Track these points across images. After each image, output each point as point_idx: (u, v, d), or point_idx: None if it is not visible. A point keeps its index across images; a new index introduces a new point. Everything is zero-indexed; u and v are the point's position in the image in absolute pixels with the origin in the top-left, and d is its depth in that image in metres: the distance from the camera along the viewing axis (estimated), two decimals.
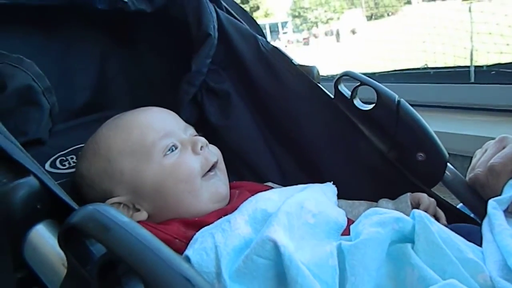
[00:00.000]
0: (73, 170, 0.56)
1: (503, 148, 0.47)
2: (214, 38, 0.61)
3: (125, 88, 0.68)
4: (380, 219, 0.40)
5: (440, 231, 0.38)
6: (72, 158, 0.58)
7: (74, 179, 0.55)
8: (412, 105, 1.62)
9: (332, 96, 0.59)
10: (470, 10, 1.55)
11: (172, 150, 0.50)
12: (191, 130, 0.55)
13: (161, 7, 0.62)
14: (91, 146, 0.53)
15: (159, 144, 0.50)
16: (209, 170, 0.51)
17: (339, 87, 0.58)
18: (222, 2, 0.65)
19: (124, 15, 0.62)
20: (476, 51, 1.53)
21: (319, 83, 0.61)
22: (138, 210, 0.50)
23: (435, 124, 1.40)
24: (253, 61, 0.63)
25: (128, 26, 0.66)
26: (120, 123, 0.53)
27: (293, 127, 0.62)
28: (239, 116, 0.64)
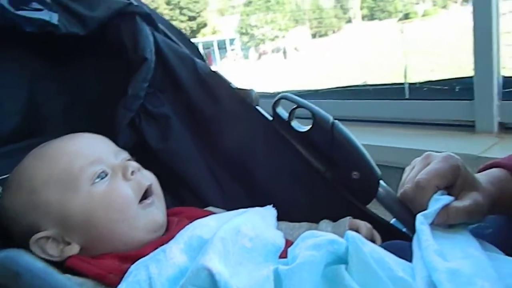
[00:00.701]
0: None
1: (428, 164, 0.50)
2: (151, 61, 0.60)
3: (57, 113, 0.65)
4: (315, 242, 0.40)
5: (372, 251, 0.40)
6: None
7: None
8: (353, 120, 1.69)
9: (270, 118, 0.60)
10: (402, 31, 1.66)
11: (102, 178, 0.48)
12: (124, 155, 0.53)
13: (95, 30, 0.60)
14: (15, 177, 0.49)
15: (87, 171, 0.48)
16: (146, 198, 0.50)
17: (277, 110, 0.59)
18: (159, 25, 0.65)
19: (55, 37, 0.59)
20: (409, 69, 1.63)
21: (257, 105, 0.62)
22: (69, 243, 0.47)
23: (374, 138, 1.48)
24: (191, 84, 0.63)
25: (60, 48, 0.64)
26: (46, 151, 0.50)
27: (233, 150, 0.63)
28: (178, 139, 0.64)
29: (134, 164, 0.50)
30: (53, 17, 0.56)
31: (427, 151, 1.34)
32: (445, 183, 0.48)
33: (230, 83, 0.62)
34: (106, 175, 0.49)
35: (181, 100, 0.64)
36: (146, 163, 0.55)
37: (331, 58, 2.74)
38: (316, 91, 1.99)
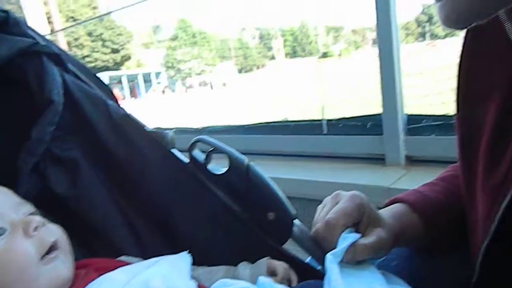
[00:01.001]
0: None
1: (337, 203, 0.53)
2: (59, 104, 0.57)
3: None
4: None
5: None
6: None
7: None
8: (274, 155, 1.73)
9: (187, 161, 0.60)
10: (318, 71, 1.77)
11: None
12: (26, 208, 0.49)
13: None
14: None
15: None
16: (48, 253, 0.46)
17: (193, 153, 0.59)
18: (70, 65, 0.62)
19: None
20: (327, 106, 1.74)
21: (174, 147, 0.61)
22: None
23: (294, 172, 1.53)
24: (103, 128, 0.60)
25: None
26: None
27: (149, 195, 0.61)
28: (88, 185, 0.60)
29: (37, 219, 0.46)
30: None
31: (343, 183, 1.41)
32: (352, 221, 0.50)
33: (145, 125, 0.61)
34: (4, 232, 0.44)
35: (92, 144, 0.61)
36: (52, 212, 0.51)
37: (255, 94, 2.84)
38: (240, 126, 2.03)
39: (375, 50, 1.33)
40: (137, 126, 0.61)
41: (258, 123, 2.07)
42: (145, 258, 0.52)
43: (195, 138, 0.60)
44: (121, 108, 0.62)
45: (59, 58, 0.60)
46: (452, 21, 0.35)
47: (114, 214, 0.61)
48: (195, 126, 2.38)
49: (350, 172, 1.37)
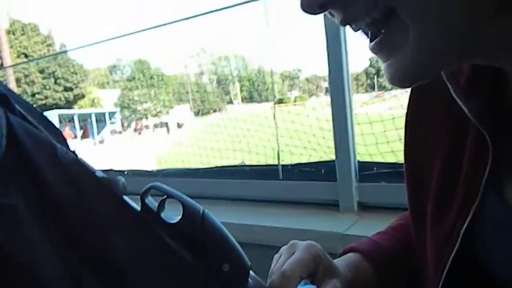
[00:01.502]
0: None
1: (293, 253, 0.52)
2: (2, 146, 0.54)
3: None
4: None
5: None
6: None
7: None
8: (231, 200, 1.71)
9: (139, 209, 0.57)
10: (274, 117, 1.80)
11: None
12: None
13: None
14: None
15: None
16: None
17: (146, 200, 0.57)
18: (16, 106, 0.59)
19: None
20: (282, 151, 1.76)
21: (125, 194, 0.58)
22: None
23: (250, 218, 1.51)
24: (49, 173, 0.57)
25: None
26: None
27: (97, 244, 0.57)
28: (28, 233, 0.55)
29: None
30: None
31: (298, 229, 1.41)
32: (308, 271, 0.50)
33: (95, 171, 0.58)
34: None
35: (36, 189, 0.57)
36: None
37: (212, 138, 2.85)
38: (196, 169, 2.01)
39: (328, 98, 1.39)
40: (86, 171, 0.58)
41: (214, 167, 2.06)
42: None
43: (148, 185, 0.57)
44: (71, 152, 0.59)
45: (5, 98, 0.56)
46: (398, 81, 0.37)
47: (56, 265, 0.56)
48: (149, 169, 2.32)
49: (305, 218, 1.38)
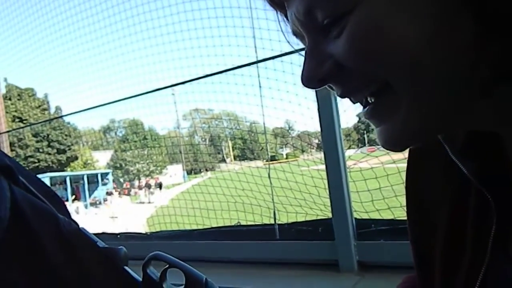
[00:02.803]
0: None
1: None
2: (5, 220, 0.54)
3: None
4: None
5: None
6: None
7: None
8: (227, 262, 1.67)
9: (140, 279, 0.57)
10: (269, 176, 1.82)
11: None
12: None
13: None
14: None
15: None
16: None
17: (148, 270, 0.56)
18: (20, 177, 0.60)
19: None
20: (278, 210, 1.76)
21: (126, 265, 0.58)
22: None
23: (248, 281, 1.47)
24: (51, 244, 0.57)
25: None
26: None
27: None
28: None
29: None
30: None
31: None
32: None
33: (97, 241, 0.58)
34: None
35: (37, 263, 0.57)
36: None
37: (206, 196, 2.83)
38: (193, 230, 1.98)
39: (321, 154, 1.41)
40: (88, 241, 0.58)
41: (210, 228, 2.03)
42: None
43: (150, 255, 0.57)
44: (73, 222, 0.60)
45: (10, 170, 0.58)
46: (391, 145, 0.39)
47: None
48: (142, 231, 2.29)
49: (305, 280, 1.35)
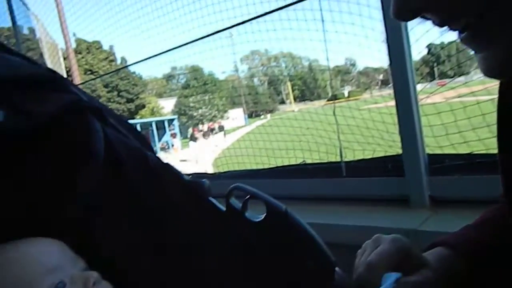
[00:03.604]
0: None
1: (378, 247, 0.53)
2: (101, 157, 0.60)
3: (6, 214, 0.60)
4: None
5: None
6: None
7: None
8: (293, 199, 1.72)
9: (224, 209, 0.61)
10: (334, 113, 1.79)
11: None
12: (81, 263, 0.50)
13: (43, 126, 0.59)
14: None
15: (42, 282, 0.44)
16: None
17: (230, 200, 0.60)
18: (110, 119, 0.65)
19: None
20: (344, 149, 1.74)
21: (210, 196, 0.62)
22: None
23: (318, 216, 1.51)
24: (142, 178, 0.62)
25: (6, 147, 0.61)
26: None
27: (185, 245, 0.61)
28: (127, 237, 0.61)
29: (94, 275, 0.48)
30: None
31: (367, 227, 1.39)
32: (394, 264, 0.50)
33: (182, 174, 0.63)
34: (64, 285, 0.45)
35: (131, 196, 0.63)
36: (89, 261, 0.52)
37: (269, 138, 2.87)
38: (257, 171, 2.04)
39: (385, 91, 1.35)
40: (174, 175, 0.62)
41: (275, 167, 2.07)
42: None
43: (231, 186, 0.61)
44: (159, 158, 0.64)
45: (101, 112, 0.63)
46: (495, 73, 0.35)
47: (146, 263, 0.61)
48: (210, 172, 2.39)
49: (374, 215, 1.35)
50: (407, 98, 1.29)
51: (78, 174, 0.58)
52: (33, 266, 0.45)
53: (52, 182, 0.62)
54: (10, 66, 0.57)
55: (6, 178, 0.61)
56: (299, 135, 2.39)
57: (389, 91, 1.37)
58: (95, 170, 0.59)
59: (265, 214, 0.58)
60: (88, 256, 0.55)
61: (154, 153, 0.66)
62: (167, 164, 0.63)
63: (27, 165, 0.62)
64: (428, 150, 1.32)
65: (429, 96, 1.63)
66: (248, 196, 0.59)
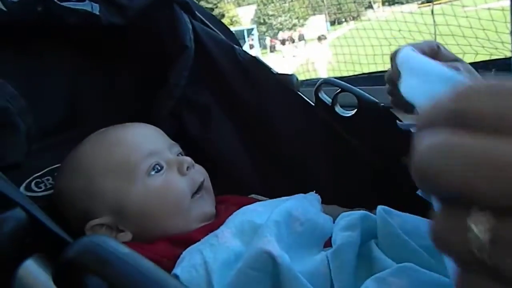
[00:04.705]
0: (49, 192, 0.54)
1: None
2: (191, 49, 0.60)
3: (97, 103, 0.66)
4: (347, 222, 0.41)
5: (403, 222, 0.39)
6: (48, 180, 0.55)
7: (52, 197, 0.52)
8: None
9: (313, 104, 0.59)
10: (432, 13, 1.60)
11: (157, 170, 0.48)
12: (177, 148, 0.53)
13: (134, 20, 0.61)
14: (72, 162, 0.50)
15: (143, 163, 0.48)
16: (196, 192, 0.50)
17: (320, 95, 0.58)
18: (197, 12, 0.64)
19: (95, 29, 0.60)
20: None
21: (299, 91, 0.61)
22: (122, 231, 0.47)
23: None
24: (231, 72, 0.62)
25: (99, 39, 0.64)
26: (103, 140, 0.50)
27: (275, 137, 0.62)
28: (219, 128, 0.64)
29: (188, 160, 0.51)
30: (95, 8, 0.57)
31: None
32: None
33: (271, 68, 0.62)
34: (161, 168, 0.49)
35: (222, 88, 0.64)
36: (185, 152, 0.55)
37: (354, 45, 2.70)
38: (342, 77, 1.97)
39: None
40: (264, 69, 0.62)
41: (367, 73, 1.98)
42: (271, 198, 0.53)
43: (320, 80, 0.58)
44: (247, 52, 0.63)
45: (188, 5, 0.62)
46: None
47: (242, 154, 0.64)
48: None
49: None
50: None
51: (169, 66, 0.60)
52: (139, 148, 0.49)
53: (142, 74, 0.64)
54: None
55: (96, 69, 0.65)
56: (391, 38, 2.20)
57: None
58: (185, 62, 0.60)
59: (355, 110, 0.56)
60: (180, 144, 0.58)
61: (241, 46, 0.65)
62: (255, 57, 0.62)
63: (117, 58, 0.65)
64: None
65: None
66: (339, 91, 0.57)
